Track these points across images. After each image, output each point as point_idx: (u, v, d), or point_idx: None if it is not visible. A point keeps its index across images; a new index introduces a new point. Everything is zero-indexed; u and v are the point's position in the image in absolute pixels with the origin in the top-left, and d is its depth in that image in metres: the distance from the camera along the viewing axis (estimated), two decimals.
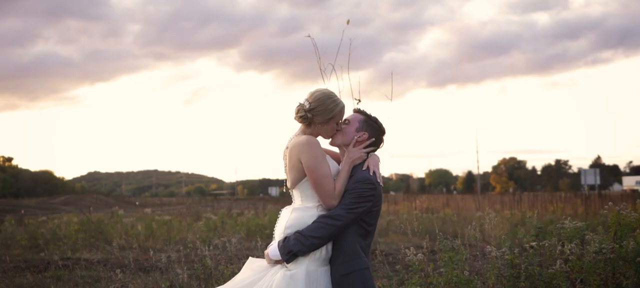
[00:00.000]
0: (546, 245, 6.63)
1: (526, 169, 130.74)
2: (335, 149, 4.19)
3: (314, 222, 3.81)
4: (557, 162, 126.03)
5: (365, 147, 4.02)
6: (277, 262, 3.88)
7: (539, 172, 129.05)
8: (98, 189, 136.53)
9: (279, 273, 3.81)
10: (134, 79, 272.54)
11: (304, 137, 3.91)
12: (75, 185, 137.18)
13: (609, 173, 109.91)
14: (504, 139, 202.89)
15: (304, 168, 3.87)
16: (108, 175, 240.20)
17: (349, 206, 3.79)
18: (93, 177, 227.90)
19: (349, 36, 6.97)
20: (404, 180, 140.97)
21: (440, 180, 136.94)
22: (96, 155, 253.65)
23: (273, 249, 3.89)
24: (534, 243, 6.72)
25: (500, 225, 19.31)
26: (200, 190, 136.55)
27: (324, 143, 4.11)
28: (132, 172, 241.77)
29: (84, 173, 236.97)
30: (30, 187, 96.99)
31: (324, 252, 3.84)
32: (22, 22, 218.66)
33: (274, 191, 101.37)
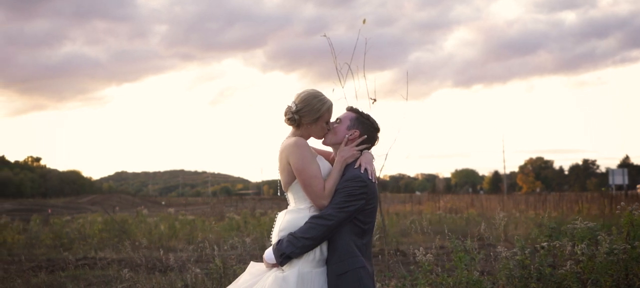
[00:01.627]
0: (557, 245, 6.57)
1: (553, 169, 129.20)
2: (330, 149, 4.14)
3: (306, 223, 3.79)
4: (585, 161, 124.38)
5: (357, 145, 3.97)
6: (273, 266, 3.87)
7: (566, 172, 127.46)
8: (125, 189, 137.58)
9: (272, 275, 3.80)
10: (161, 79, 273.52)
11: (292, 139, 3.91)
12: (102, 185, 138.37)
13: (637, 173, 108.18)
14: (531, 139, 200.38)
15: (292, 170, 3.87)
16: (135, 175, 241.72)
17: (339, 205, 3.75)
18: (120, 177, 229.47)
19: (368, 36, 7.01)
20: (430, 180, 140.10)
21: (466, 180, 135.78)
22: (123, 155, 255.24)
23: (268, 253, 3.89)
24: (545, 243, 6.67)
25: (525, 225, 19.20)
26: (226, 190, 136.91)
27: (318, 143, 4.10)
28: (159, 172, 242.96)
29: (111, 173, 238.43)
30: (58, 187, 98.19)
31: (318, 253, 3.81)
32: (49, 24, 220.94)
33: None
